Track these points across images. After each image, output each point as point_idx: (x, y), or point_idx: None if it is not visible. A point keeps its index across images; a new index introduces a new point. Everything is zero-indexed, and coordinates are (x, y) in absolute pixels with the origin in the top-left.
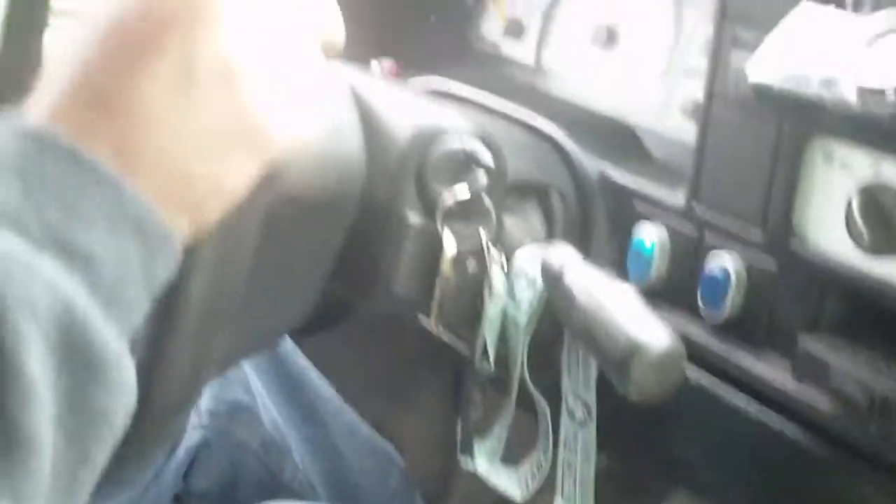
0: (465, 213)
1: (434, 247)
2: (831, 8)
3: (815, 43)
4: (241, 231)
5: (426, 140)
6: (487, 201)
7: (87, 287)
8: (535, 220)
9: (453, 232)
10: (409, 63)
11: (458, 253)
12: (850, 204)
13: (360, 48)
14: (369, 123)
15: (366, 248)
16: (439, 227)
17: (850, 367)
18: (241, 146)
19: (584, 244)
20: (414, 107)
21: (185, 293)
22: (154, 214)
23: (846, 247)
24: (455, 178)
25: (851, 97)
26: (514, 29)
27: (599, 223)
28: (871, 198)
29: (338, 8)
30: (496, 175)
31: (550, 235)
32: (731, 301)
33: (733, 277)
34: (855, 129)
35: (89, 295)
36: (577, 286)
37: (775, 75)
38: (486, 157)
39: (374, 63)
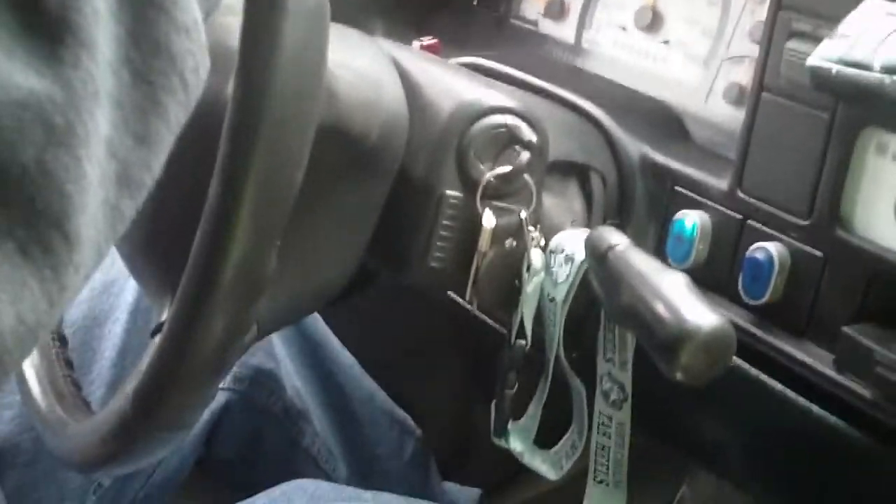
0: (505, 189)
1: (472, 222)
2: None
3: (879, 34)
4: (290, 154)
5: (468, 115)
6: (528, 179)
7: None
8: (575, 200)
9: (492, 208)
10: (449, 42)
11: (497, 229)
12: None
13: (401, 29)
14: (411, 96)
15: (403, 222)
16: (478, 204)
17: (894, 355)
18: None
19: (624, 226)
20: (457, 82)
21: (225, 244)
22: None
23: (894, 237)
24: (496, 155)
25: None
26: (555, 9)
27: (639, 205)
28: None
29: None
30: (538, 153)
31: (590, 216)
32: (773, 287)
33: (776, 263)
34: None
35: None
36: (624, 266)
37: (835, 60)
38: (529, 134)
39: (415, 42)
